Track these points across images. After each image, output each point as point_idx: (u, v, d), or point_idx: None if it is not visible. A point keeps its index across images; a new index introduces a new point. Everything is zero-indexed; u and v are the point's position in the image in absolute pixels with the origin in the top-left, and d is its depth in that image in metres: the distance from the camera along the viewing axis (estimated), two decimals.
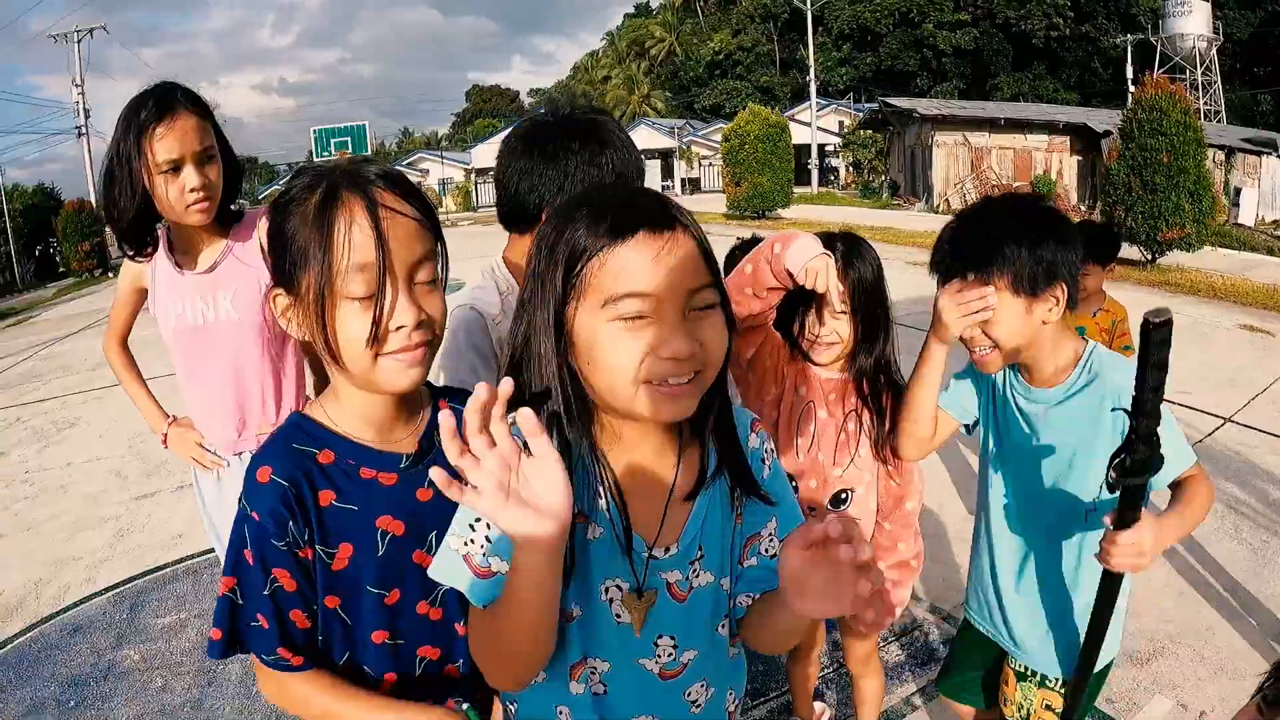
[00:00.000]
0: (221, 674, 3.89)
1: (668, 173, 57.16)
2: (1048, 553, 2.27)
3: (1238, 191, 31.14)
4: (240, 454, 2.84)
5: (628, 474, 1.37)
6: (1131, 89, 49.61)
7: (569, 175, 2.03)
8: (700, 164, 56.24)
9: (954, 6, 69.40)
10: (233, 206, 2.75)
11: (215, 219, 2.63)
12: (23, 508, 6.43)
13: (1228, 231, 24.38)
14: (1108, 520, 1.84)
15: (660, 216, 1.24)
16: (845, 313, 2.44)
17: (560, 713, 1.43)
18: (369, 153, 40.14)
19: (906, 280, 6.90)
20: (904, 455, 2.50)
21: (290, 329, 1.44)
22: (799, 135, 40.75)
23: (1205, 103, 57.40)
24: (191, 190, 2.45)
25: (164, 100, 2.42)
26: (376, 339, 1.35)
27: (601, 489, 1.34)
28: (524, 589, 1.17)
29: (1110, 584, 1.93)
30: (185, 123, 2.43)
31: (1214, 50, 57.42)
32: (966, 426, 2.47)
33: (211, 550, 4.66)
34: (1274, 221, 29.99)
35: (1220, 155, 32.41)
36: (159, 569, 5.15)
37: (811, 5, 45.52)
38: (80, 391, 9.98)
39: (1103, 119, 30.59)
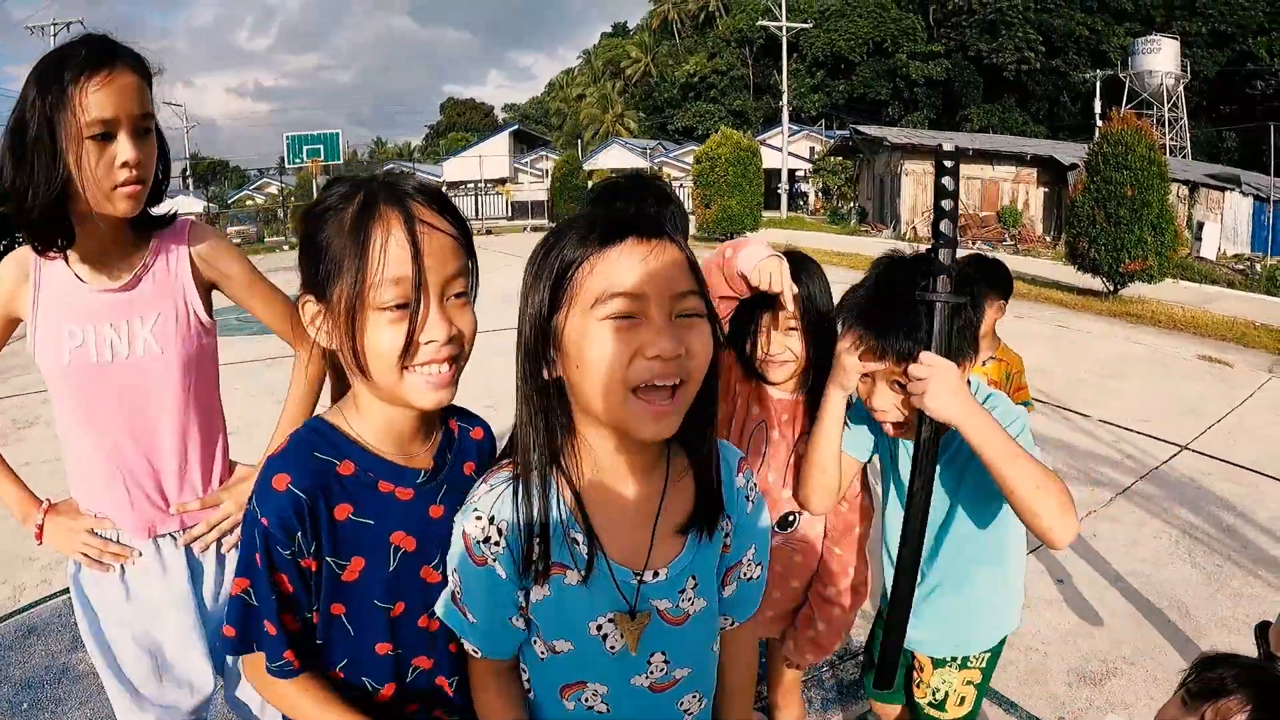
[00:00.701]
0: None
1: None
2: (945, 561, 2.33)
3: (1200, 226, 31.63)
4: (162, 536, 2.19)
5: (611, 501, 1.39)
6: (1099, 123, 50.44)
7: None
8: (671, 185, 55.53)
9: (927, 37, 70.31)
10: (159, 209, 2.14)
11: (136, 218, 2.04)
12: None
13: (1190, 264, 24.80)
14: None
15: (648, 226, 1.30)
16: (796, 329, 2.44)
17: None
18: (341, 161, 39.96)
19: None
20: (814, 509, 2.44)
21: (318, 337, 1.44)
22: (770, 160, 40.97)
23: (1171, 139, 58.19)
24: (123, 165, 1.88)
25: (100, 49, 1.87)
26: (408, 351, 1.36)
27: (575, 526, 1.36)
28: None
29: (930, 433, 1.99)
30: (124, 79, 1.88)
31: (1181, 87, 58.22)
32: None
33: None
34: (1235, 256, 30.47)
35: (1184, 190, 32.90)
36: None
37: (787, 32, 45.85)
38: (40, 390, 9.50)
39: (1070, 152, 31.01)
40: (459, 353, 1.42)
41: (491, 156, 54.96)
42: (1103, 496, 5.79)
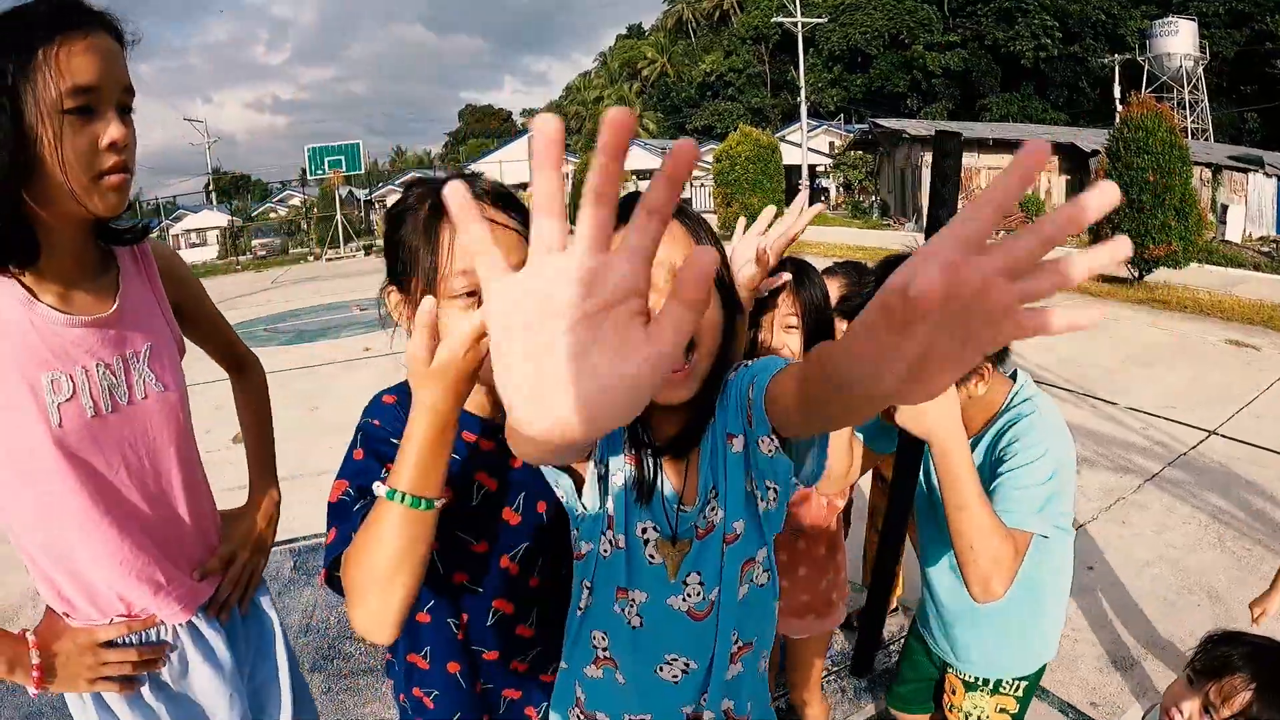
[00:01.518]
0: None
1: None
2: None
3: (1224, 208, 31.38)
4: (204, 606, 1.83)
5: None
6: (1119, 108, 49.95)
7: None
8: (691, 184, 55.50)
9: (943, 28, 69.99)
10: (121, 221, 1.68)
11: (101, 228, 1.66)
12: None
13: (1214, 248, 24.57)
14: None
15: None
16: (796, 327, 2.50)
17: (595, 637, 1.58)
18: (363, 171, 40.04)
19: None
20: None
21: (401, 323, 1.54)
22: (790, 156, 40.77)
23: (1192, 121, 57.59)
24: (110, 146, 1.47)
25: (73, 6, 1.47)
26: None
27: (628, 448, 1.50)
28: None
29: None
30: (104, 42, 1.48)
31: (1200, 69, 57.66)
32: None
33: None
34: (1261, 238, 30.21)
35: (1207, 173, 32.65)
36: None
37: (802, 28, 45.75)
38: None
39: (1090, 138, 30.89)
40: None
41: (511, 162, 54.84)
42: (1132, 483, 5.80)
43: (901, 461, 2.04)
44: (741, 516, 1.50)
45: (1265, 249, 26.21)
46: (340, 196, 38.14)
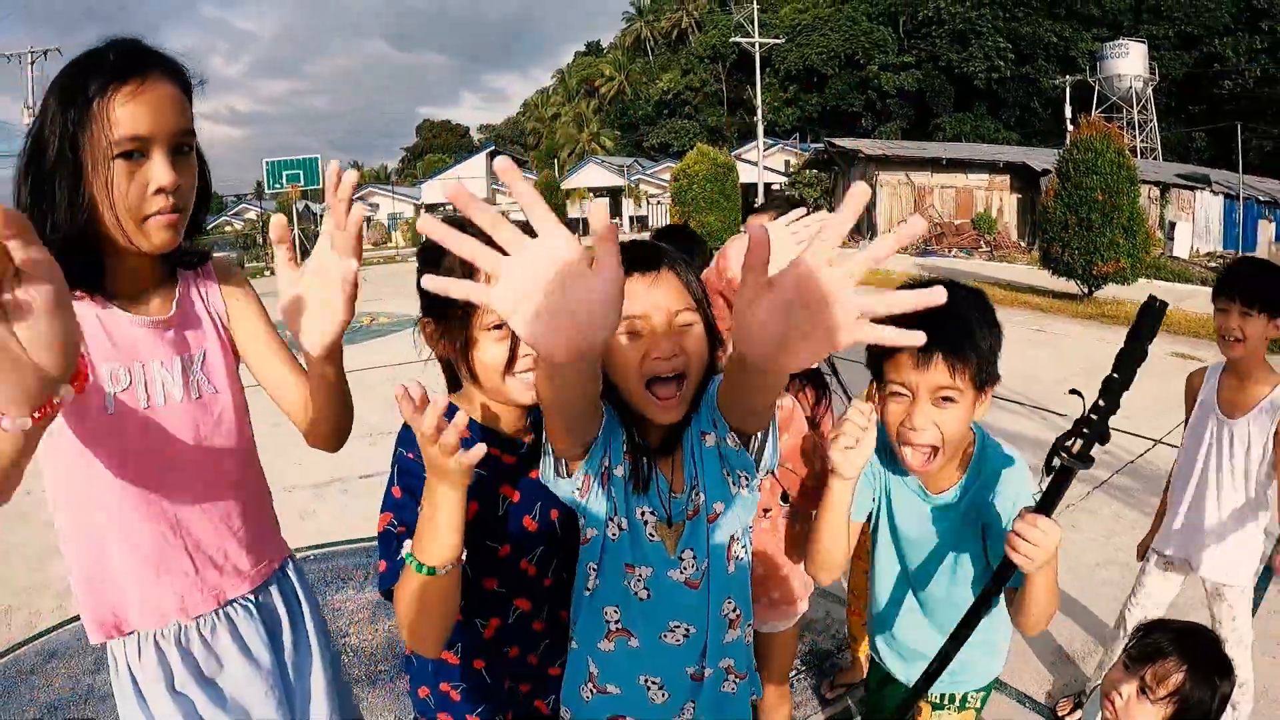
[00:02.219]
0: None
1: (616, 211, 57.19)
2: (957, 602, 2.19)
3: (1172, 226, 32.05)
4: (230, 604, 1.91)
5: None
6: (1070, 128, 50.40)
7: None
8: (648, 202, 56.33)
9: (898, 49, 70.63)
10: (188, 243, 1.81)
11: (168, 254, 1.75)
12: None
13: (1163, 264, 25.07)
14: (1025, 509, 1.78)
15: (649, 261, 1.68)
16: None
17: (607, 612, 1.80)
18: (320, 185, 39.79)
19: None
20: (823, 582, 2.31)
21: (436, 350, 1.75)
22: (746, 174, 40.88)
23: (1142, 140, 58.31)
24: (158, 191, 1.59)
25: (131, 55, 1.59)
26: (511, 362, 1.67)
27: (628, 448, 1.73)
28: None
29: (1003, 573, 1.86)
30: (159, 90, 1.59)
31: (1150, 90, 58.57)
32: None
33: None
34: (1208, 254, 30.81)
35: (1155, 191, 33.19)
36: None
37: (759, 48, 45.97)
38: None
39: (1042, 158, 31.33)
40: None
41: (469, 178, 54.57)
42: (1082, 491, 5.96)
43: (995, 579, 2.03)
44: (720, 499, 1.76)
45: (1212, 264, 26.71)
46: (298, 211, 37.84)
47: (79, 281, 1.60)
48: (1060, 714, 3.62)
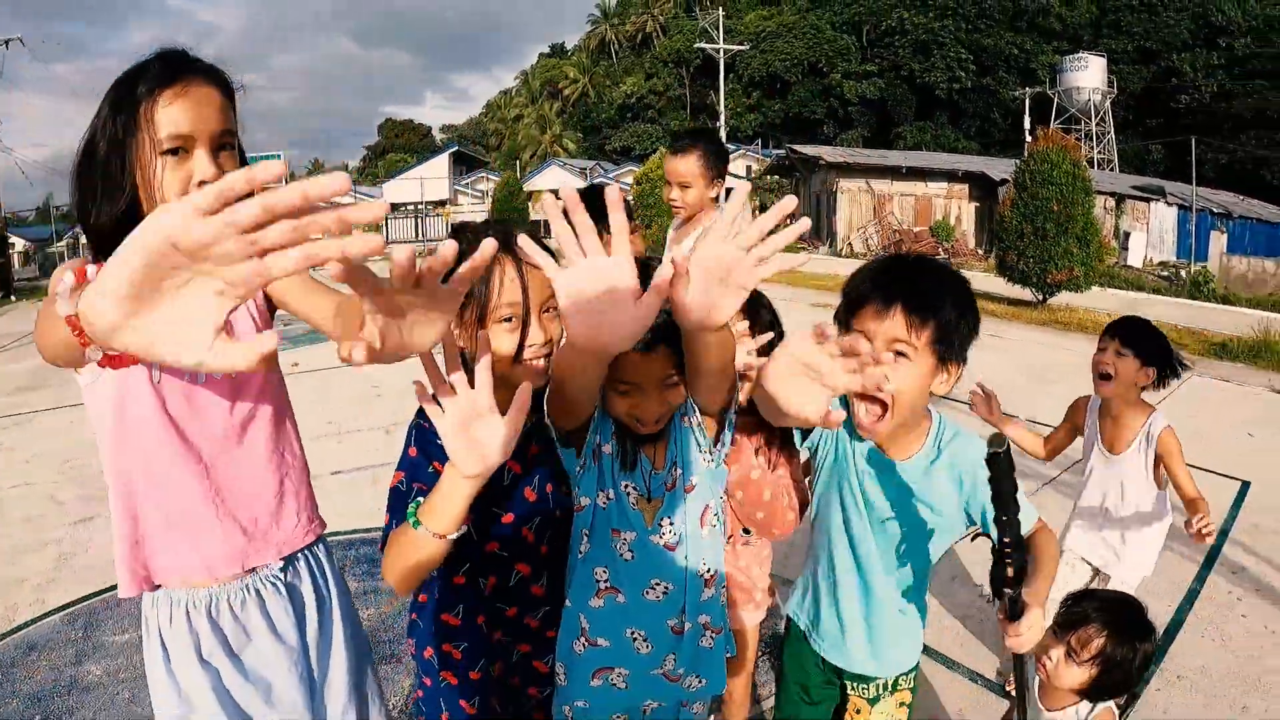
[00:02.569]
0: None
1: None
2: (901, 584, 2.30)
3: (1127, 235, 32.65)
4: (257, 571, 2.01)
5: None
6: (1028, 139, 50.86)
7: None
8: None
9: (861, 58, 71.21)
10: None
11: None
12: None
13: (1116, 273, 25.55)
14: (1000, 616, 1.90)
15: (649, 341, 1.82)
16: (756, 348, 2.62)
17: (597, 573, 2.04)
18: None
19: (809, 320, 6.98)
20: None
21: (459, 340, 1.83)
22: None
23: (1099, 152, 59.13)
24: (201, 184, 1.71)
25: (174, 62, 1.77)
26: (520, 352, 1.83)
27: (616, 436, 2.01)
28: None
29: (1021, 660, 2.12)
30: (200, 91, 1.75)
31: (1108, 103, 59.52)
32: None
33: None
34: (1161, 263, 31.37)
35: (1111, 202, 33.78)
36: (109, 589, 4.92)
37: (723, 54, 46.20)
38: (0, 415, 9.90)
39: (1000, 168, 31.71)
40: (550, 350, 1.89)
41: (432, 179, 55.32)
42: (1032, 486, 6.13)
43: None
44: (695, 473, 2.05)
45: (1165, 273, 27.24)
46: None
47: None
48: (1009, 689, 3.74)
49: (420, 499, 1.63)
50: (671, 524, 2.05)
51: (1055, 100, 59.97)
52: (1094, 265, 15.17)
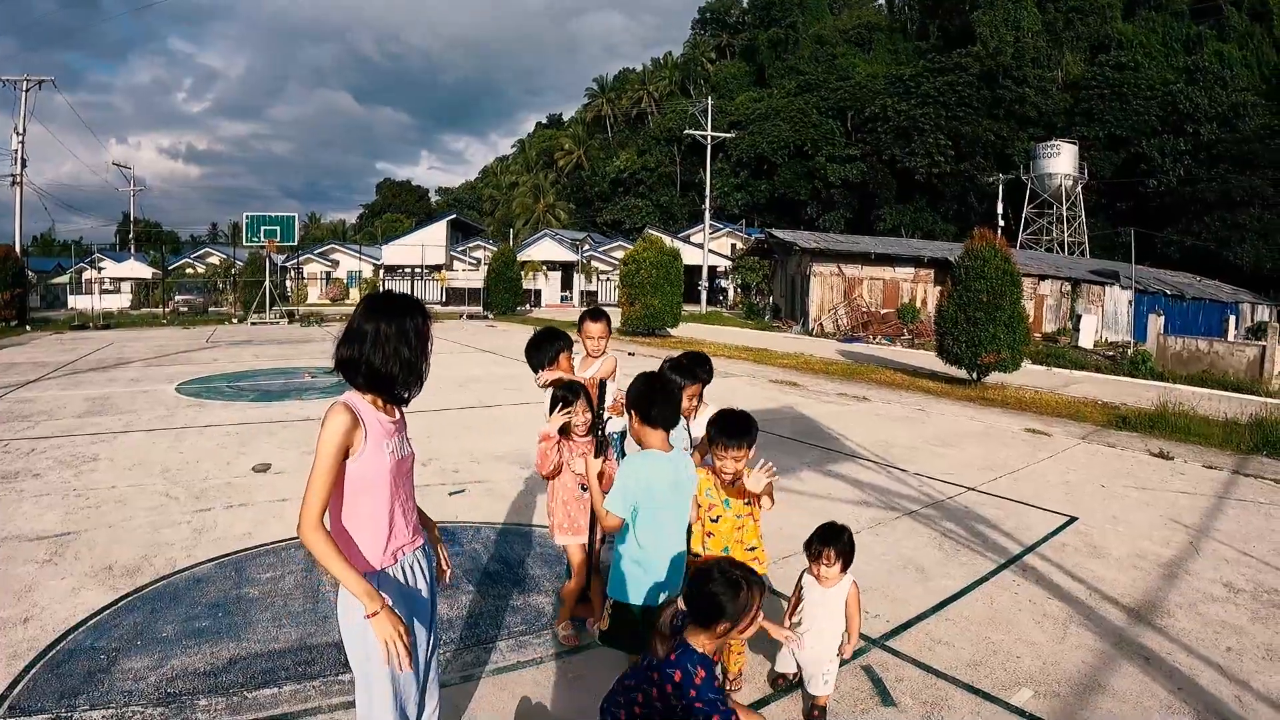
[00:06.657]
0: (322, 593, 5.43)
1: (567, 284, 59.24)
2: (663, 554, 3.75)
3: (1079, 318, 34.66)
4: (417, 548, 3.08)
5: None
6: (1000, 222, 52.48)
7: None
8: (599, 278, 58.01)
9: (844, 142, 72.60)
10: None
11: None
12: (91, 514, 7.14)
13: (1065, 353, 27.44)
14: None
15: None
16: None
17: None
18: (295, 243, 40.77)
19: (766, 395, 9.55)
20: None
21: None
22: (693, 256, 41.74)
23: (1070, 235, 60.90)
24: None
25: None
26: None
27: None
28: None
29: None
30: None
31: (1079, 188, 61.46)
32: None
33: (292, 538, 6.17)
34: (1112, 343, 33.30)
35: (1067, 286, 35.91)
36: (244, 550, 6.26)
37: (710, 140, 46.89)
38: (79, 434, 10.53)
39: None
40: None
41: (432, 246, 56.41)
42: (891, 516, 7.62)
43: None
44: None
45: (1110, 353, 28.69)
46: (271, 263, 39.02)
47: (386, 400, 2.99)
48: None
49: None
50: None
51: (1029, 185, 61.75)
52: (1020, 349, 17.02)
